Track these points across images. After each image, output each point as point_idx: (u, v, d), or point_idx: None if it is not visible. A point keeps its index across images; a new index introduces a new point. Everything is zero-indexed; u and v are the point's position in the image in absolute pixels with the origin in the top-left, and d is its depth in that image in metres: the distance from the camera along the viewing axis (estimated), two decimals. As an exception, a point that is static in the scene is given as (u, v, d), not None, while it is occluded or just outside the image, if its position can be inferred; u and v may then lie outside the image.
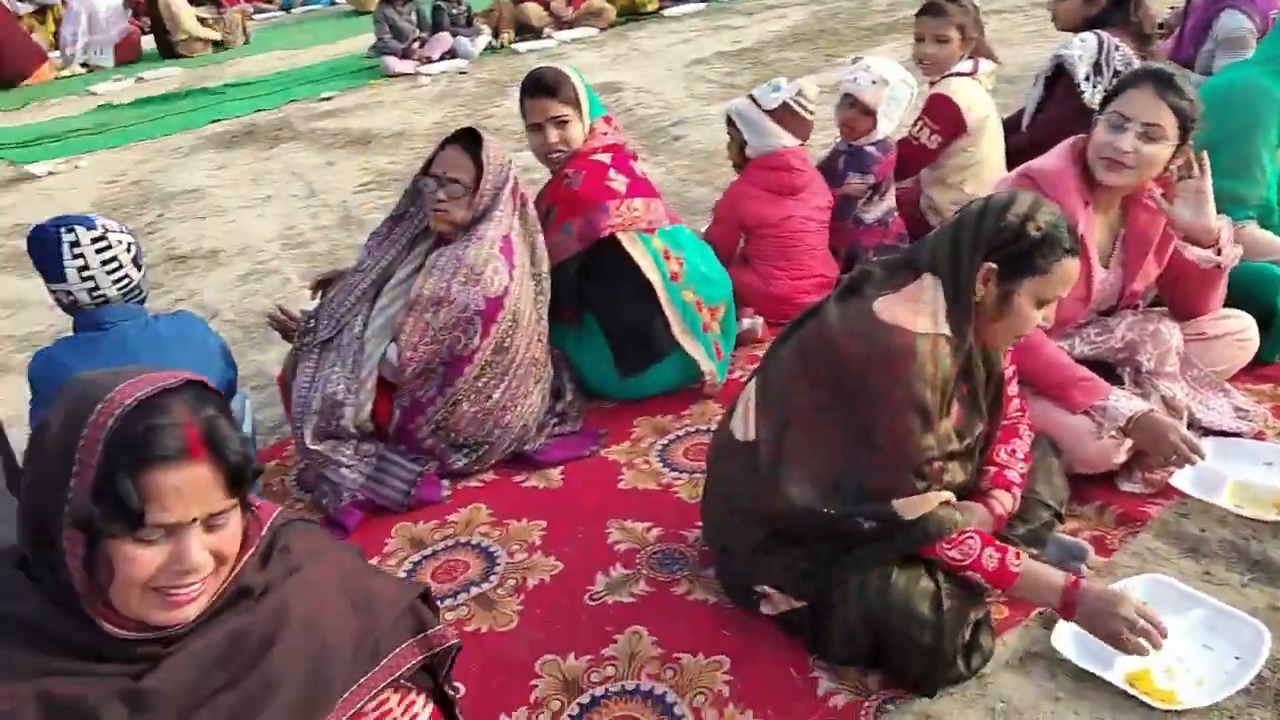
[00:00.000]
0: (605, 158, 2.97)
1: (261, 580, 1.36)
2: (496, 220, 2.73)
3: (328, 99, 7.75)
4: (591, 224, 2.89)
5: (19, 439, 2.21)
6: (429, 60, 8.44)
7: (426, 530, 2.60)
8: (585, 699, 1.98)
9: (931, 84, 3.65)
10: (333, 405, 2.68)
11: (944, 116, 3.51)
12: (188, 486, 1.21)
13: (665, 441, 2.85)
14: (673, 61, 7.73)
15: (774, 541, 2.00)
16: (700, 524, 2.33)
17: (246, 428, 2.80)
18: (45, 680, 1.22)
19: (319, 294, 3.00)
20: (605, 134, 3.03)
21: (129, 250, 2.45)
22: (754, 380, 2.11)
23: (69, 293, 2.40)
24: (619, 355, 2.97)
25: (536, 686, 2.02)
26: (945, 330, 1.88)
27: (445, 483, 2.75)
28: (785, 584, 1.99)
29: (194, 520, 1.23)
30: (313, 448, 2.67)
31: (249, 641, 1.32)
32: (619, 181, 2.95)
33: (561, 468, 2.78)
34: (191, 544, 1.23)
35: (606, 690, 1.99)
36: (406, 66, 8.30)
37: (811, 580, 1.95)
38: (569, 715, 1.95)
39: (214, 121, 7.35)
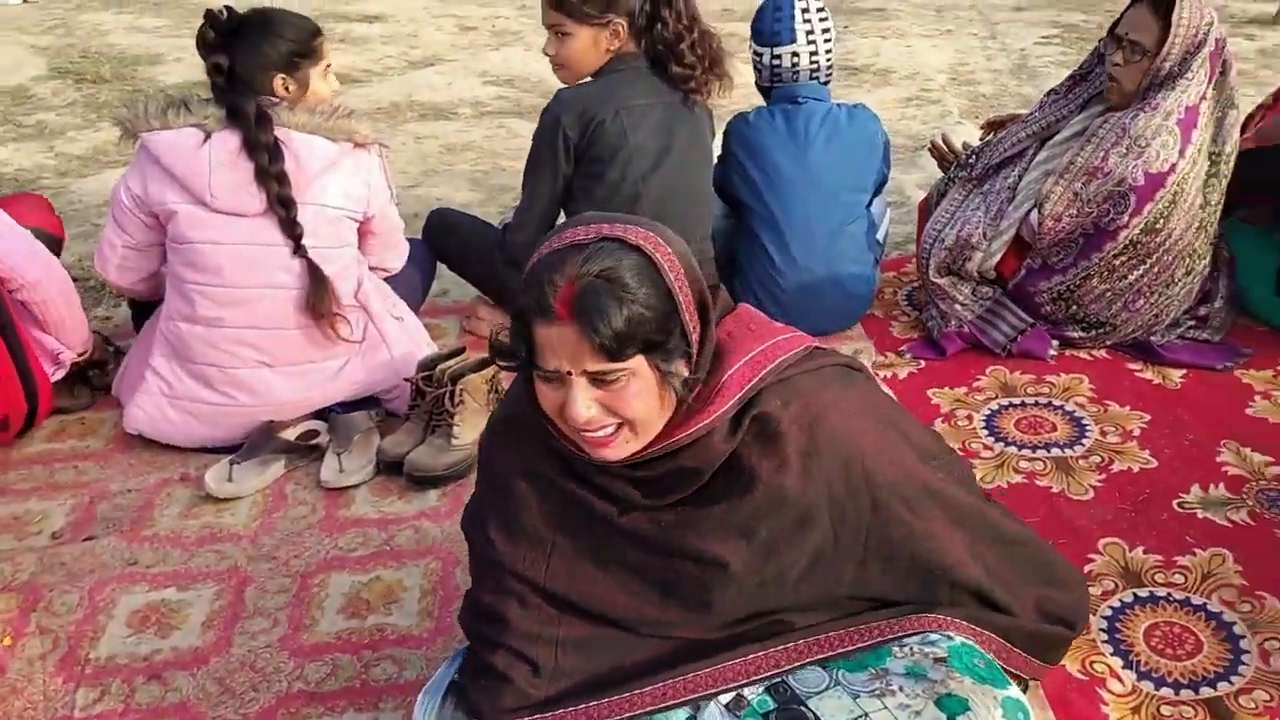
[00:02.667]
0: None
1: (719, 454, 1.32)
2: (1180, 88, 2.47)
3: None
4: (1331, 114, 2.51)
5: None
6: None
7: (1021, 380, 2.58)
8: (1143, 592, 1.90)
9: None
10: (963, 246, 2.70)
11: None
12: (558, 342, 1.21)
13: (1320, 384, 2.51)
14: None
15: None
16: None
17: (880, 234, 2.95)
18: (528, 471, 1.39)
19: (990, 133, 3.00)
20: None
21: (834, 28, 2.68)
22: None
23: (795, 55, 2.65)
24: (1284, 274, 2.63)
25: (1093, 561, 1.98)
26: None
27: (1054, 343, 2.68)
28: None
29: (569, 373, 1.22)
30: (935, 280, 2.74)
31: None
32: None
33: (1184, 371, 2.57)
34: (575, 394, 1.22)
35: (1169, 595, 1.89)
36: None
37: None
38: (1120, 598, 1.89)
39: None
